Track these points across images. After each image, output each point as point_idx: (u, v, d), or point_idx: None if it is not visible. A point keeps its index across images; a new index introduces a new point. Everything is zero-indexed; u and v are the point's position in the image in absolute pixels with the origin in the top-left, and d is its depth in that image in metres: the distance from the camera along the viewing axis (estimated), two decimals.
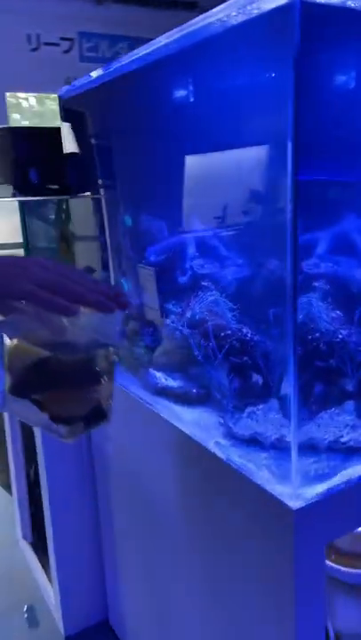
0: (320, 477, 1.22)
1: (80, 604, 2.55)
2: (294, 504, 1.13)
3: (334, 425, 1.37)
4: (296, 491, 1.15)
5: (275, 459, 1.27)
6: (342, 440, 1.32)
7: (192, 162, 1.94)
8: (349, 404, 1.46)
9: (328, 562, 1.66)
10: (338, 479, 1.21)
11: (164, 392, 1.67)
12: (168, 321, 1.77)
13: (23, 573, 3.04)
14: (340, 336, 1.58)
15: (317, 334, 1.57)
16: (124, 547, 2.22)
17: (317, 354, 1.54)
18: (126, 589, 2.27)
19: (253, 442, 1.31)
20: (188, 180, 2.02)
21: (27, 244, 2.45)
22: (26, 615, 2.76)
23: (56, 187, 2.38)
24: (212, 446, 1.40)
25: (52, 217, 2.50)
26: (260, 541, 1.20)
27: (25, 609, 2.80)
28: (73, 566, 2.51)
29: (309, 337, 1.56)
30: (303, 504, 1.13)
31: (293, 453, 1.18)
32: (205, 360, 1.51)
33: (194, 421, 1.56)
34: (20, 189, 2.34)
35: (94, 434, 2.28)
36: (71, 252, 2.52)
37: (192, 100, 1.74)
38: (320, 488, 1.18)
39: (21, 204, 2.43)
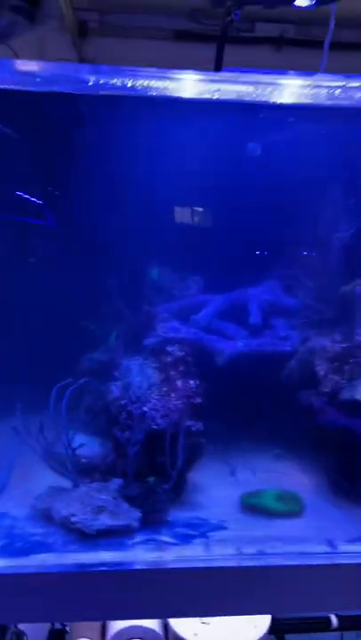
0: (15, 552, 1.19)
1: None
2: None
3: (82, 500, 1.31)
4: None
5: None
6: (73, 519, 1.25)
7: None
8: (116, 483, 1.37)
9: None
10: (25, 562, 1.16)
11: None
12: None
13: None
14: (145, 409, 1.48)
15: (123, 402, 1.50)
16: None
17: (114, 422, 1.46)
18: None
19: None
20: None
21: None
22: None
23: None
24: None
25: None
26: None
27: None
28: None
29: (118, 403, 1.49)
30: None
31: None
32: None
33: None
34: None
35: None
36: None
37: None
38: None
39: None
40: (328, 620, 2.06)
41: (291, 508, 1.42)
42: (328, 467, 1.59)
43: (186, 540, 1.29)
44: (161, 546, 1.27)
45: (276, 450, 1.80)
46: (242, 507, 1.45)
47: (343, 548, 1.28)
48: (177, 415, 1.51)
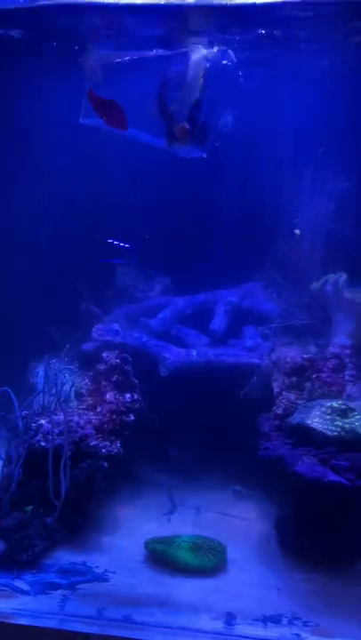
0: None
1: None
2: None
3: None
4: None
5: None
6: None
7: None
8: None
9: None
10: None
11: None
12: None
13: None
14: (42, 422, 1.21)
15: (24, 412, 1.23)
16: None
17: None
18: None
19: None
20: None
21: None
22: None
23: None
24: None
25: None
26: None
27: None
28: None
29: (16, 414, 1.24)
30: None
31: None
32: None
33: None
34: None
35: None
36: None
37: None
38: None
39: None
40: None
41: (203, 563, 1.07)
42: (278, 512, 1.21)
43: (44, 590, 1.00)
44: (9, 593, 0.99)
45: (236, 486, 1.43)
46: (147, 553, 1.13)
47: (241, 629, 0.91)
48: (82, 433, 1.22)
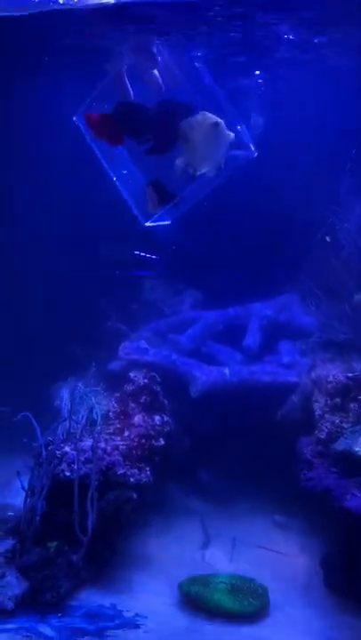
0: None
1: None
2: None
3: None
4: None
5: None
6: None
7: None
8: (6, 544, 1.03)
9: None
10: None
11: None
12: None
13: None
14: (66, 449, 1.13)
15: (49, 438, 1.17)
16: None
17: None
18: None
19: None
20: None
21: None
22: None
23: None
24: None
25: None
26: None
27: None
28: None
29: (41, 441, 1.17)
30: None
31: None
32: None
33: None
34: None
35: None
36: None
37: None
38: None
39: None
40: None
41: (243, 607, 0.97)
42: (323, 547, 1.11)
43: (70, 637, 0.92)
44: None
45: (276, 515, 1.34)
46: (180, 596, 1.04)
47: None
48: (109, 460, 1.15)
